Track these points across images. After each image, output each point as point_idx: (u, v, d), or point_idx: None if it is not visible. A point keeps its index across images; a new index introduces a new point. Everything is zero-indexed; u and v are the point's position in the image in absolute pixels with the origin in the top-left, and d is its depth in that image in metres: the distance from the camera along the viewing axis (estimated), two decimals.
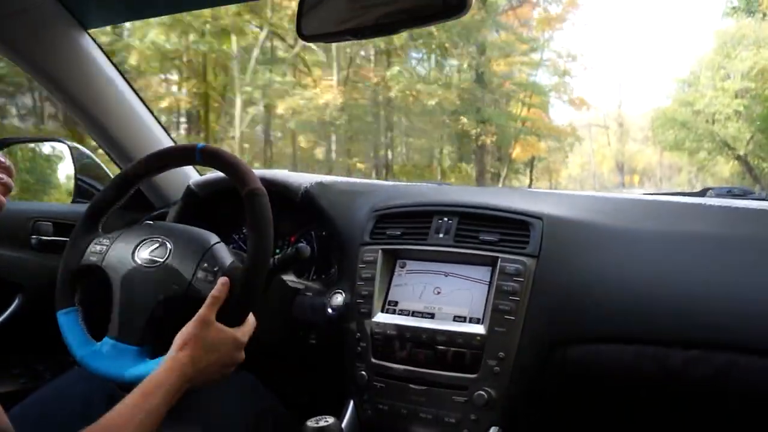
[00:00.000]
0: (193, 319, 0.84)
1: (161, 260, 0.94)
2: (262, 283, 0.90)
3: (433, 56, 15.17)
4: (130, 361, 0.88)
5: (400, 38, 12.72)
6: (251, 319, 0.90)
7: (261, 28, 11.86)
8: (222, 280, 0.87)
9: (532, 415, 0.95)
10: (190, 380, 0.79)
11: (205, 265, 0.93)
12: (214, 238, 0.98)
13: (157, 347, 0.90)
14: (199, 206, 1.33)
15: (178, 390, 0.77)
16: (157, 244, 0.97)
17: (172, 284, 0.92)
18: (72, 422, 0.67)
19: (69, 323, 0.95)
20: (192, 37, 11.01)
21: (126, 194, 1.05)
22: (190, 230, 1.02)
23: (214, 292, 0.86)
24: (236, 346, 0.86)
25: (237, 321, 0.87)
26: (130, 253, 0.96)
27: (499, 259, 0.97)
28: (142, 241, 0.98)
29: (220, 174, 1.09)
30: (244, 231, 1.32)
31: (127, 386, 0.78)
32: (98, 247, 0.99)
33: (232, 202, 1.06)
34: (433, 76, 14.82)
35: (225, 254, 0.96)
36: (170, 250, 0.96)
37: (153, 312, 0.91)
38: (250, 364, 1.03)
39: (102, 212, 1.03)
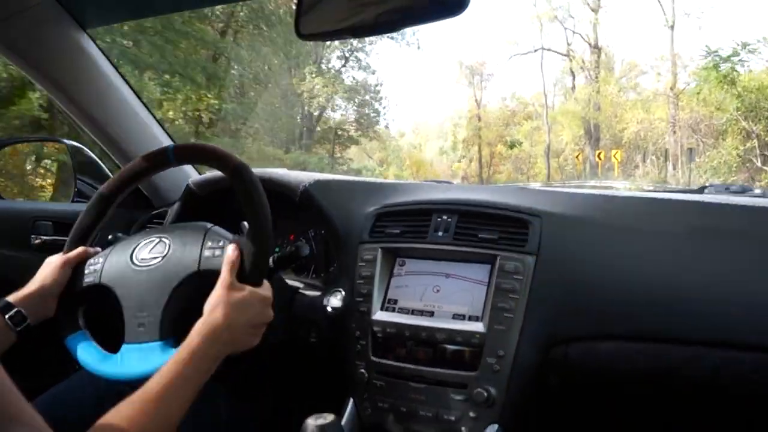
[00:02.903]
0: (217, 285, 0.85)
1: (163, 254, 0.94)
2: (271, 243, 0.92)
3: None
4: (156, 356, 0.88)
5: None
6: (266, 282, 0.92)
7: None
8: (232, 246, 0.90)
9: (532, 413, 0.95)
10: (225, 343, 0.80)
11: (209, 243, 0.94)
12: (208, 224, 0.99)
13: (180, 336, 0.90)
14: (198, 205, 1.33)
15: (214, 356, 0.78)
16: (155, 243, 0.97)
17: (181, 270, 0.92)
18: (85, 423, 0.67)
19: (80, 346, 0.93)
20: None
21: (106, 214, 1.04)
22: (182, 224, 1.04)
23: (228, 257, 0.88)
24: (264, 302, 0.88)
25: (256, 281, 0.89)
26: (128, 259, 0.96)
27: (498, 257, 0.97)
28: (137, 245, 0.98)
29: (219, 173, 1.09)
30: (243, 230, 1.32)
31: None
32: (92, 267, 0.97)
33: (231, 200, 1.06)
34: None
35: (224, 231, 0.97)
36: (169, 244, 0.96)
37: (168, 303, 0.90)
38: (250, 362, 1.03)
39: (85, 237, 1.02)
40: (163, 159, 1.03)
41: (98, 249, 1.01)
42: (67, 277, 0.96)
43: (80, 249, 0.99)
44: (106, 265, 0.97)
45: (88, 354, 0.92)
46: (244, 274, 0.88)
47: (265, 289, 0.89)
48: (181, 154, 1.03)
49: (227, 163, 0.96)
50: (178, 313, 0.91)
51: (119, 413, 0.67)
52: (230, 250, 0.89)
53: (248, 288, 0.86)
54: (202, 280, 0.91)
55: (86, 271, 0.97)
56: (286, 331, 1.12)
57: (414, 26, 1.00)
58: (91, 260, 0.99)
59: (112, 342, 0.93)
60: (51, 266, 0.96)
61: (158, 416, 0.68)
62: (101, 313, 0.97)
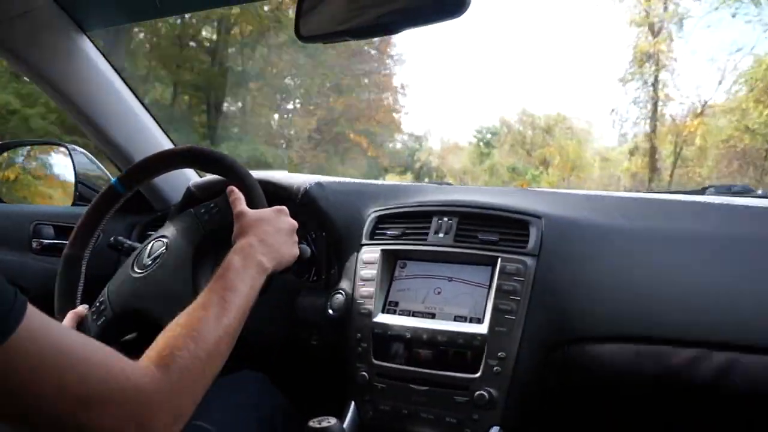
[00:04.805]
0: (234, 219, 0.88)
1: (164, 248, 0.94)
2: (254, 180, 0.95)
3: None
4: None
5: None
6: None
7: None
8: (229, 188, 0.92)
9: (534, 415, 0.95)
10: (264, 255, 0.82)
11: (202, 211, 0.97)
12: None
13: None
14: None
15: (254, 267, 0.80)
16: (150, 245, 0.96)
17: (191, 243, 0.93)
18: None
19: None
20: None
21: (80, 272, 1.03)
22: (169, 222, 1.04)
23: (232, 196, 0.90)
24: (281, 212, 0.91)
25: (263, 206, 0.93)
26: (131, 275, 0.94)
27: (499, 259, 0.96)
28: (134, 259, 0.97)
29: (219, 177, 1.09)
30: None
31: None
32: (98, 309, 0.95)
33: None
34: None
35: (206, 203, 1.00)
36: (165, 238, 0.95)
37: (195, 276, 0.90)
38: (251, 365, 1.03)
39: (72, 300, 1.01)
40: (114, 194, 1.05)
41: (86, 306, 0.99)
42: None
43: (70, 314, 0.96)
44: (111, 295, 0.95)
45: None
46: (249, 206, 0.90)
47: (276, 205, 0.92)
48: (128, 180, 1.05)
49: (173, 156, 1.00)
50: (209, 280, 0.90)
51: (173, 324, 0.68)
52: (230, 189, 0.92)
53: (261, 209, 0.90)
54: (215, 240, 0.92)
55: (93, 317, 0.95)
56: (287, 334, 1.12)
57: (414, 28, 1.01)
58: (93, 306, 0.96)
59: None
60: None
61: (210, 321, 0.69)
62: (133, 346, 0.96)
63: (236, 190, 0.91)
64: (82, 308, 0.98)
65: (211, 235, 0.93)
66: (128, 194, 1.06)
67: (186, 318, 0.69)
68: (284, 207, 0.92)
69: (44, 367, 0.52)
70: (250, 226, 0.86)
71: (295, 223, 0.92)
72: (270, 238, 0.85)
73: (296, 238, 0.91)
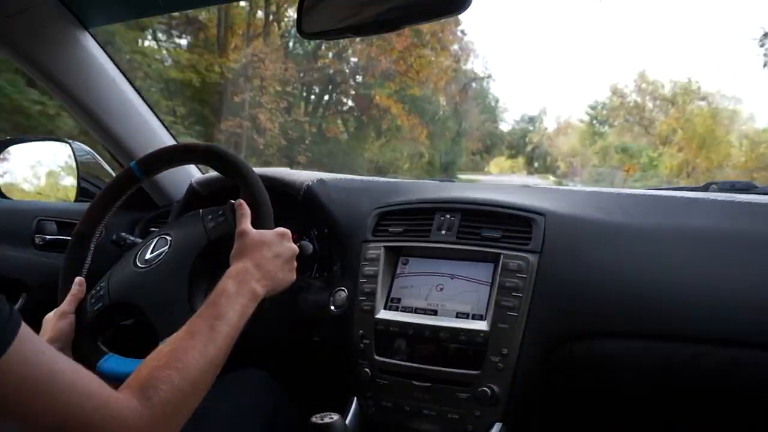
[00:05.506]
0: (236, 237, 0.87)
1: (167, 247, 0.94)
2: (266, 194, 0.94)
3: None
4: None
5: None
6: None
7: None
8: (238, 202, 0.91)
9: (536, 411, 0.95)
10: (259, 281, 0.82)
11: (209, 217, 0.95)
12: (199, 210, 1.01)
13: None
14: (201, 204, 1.33)
15: (247, 294, 0.79)
16: (155, 241, 0.96)
17: (192, 248, 0.92)
18: None
19: (115, 365, 0.88)
20: None
21: (89, 250, 1.03)
22: (177, 220, 1.04)
23: (240, 211, 0.89)
24: (284, 236, 0.90)
25: (269, 226, 0.91)
26: (132, 268, 0.94)
27: (502, 256, 0.96)
28: (138, 252, 0.96)
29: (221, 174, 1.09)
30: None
31: None
32: (97, 294, 0.95)
33: (234, 199, 1.06)
34: None
35: (215, 207, 0.98)
36: (170, 237, 0.95)
37: (191, 283, 0.89)
38: (254, 362, 1.03)
39: (77, 276, 1.00)
40: (131, 178, 1.05)
41: (83, 281, 0.98)
42: (71, 322, 0.92)
43: (71, 294, 0.95)
44: (111, 284, 0.95)
45: (126, 365, 0.87)
46: (255, 223, 0.90)
47: (280, 228, 0.92)
48: (147, 166, 1.04)
49: (195, 150, 0.99)
50: (205, 290, 0.89)
51: (158, 352, 0.68)
52: (238, 203, 0.91)
53: (264, 230, 0.89)
54: (217, 249, 0.91)
55: (92, 301, 0.94)
56: (289, 331, 1.12)
57: (415, 25, 1.01)
58: (94, 290, 0.96)
59: (141, 346, 0.87)
60: (50, 322, 0.92)
61: (197, 351, 0.68)
62: (128, 333, 0.95)
63: (244, 205, 0.90)
64: (79, 286, 0.97)
65: (214, 243, 0.92)
66: (143, 180, 1.06)
67: (172, 346, 0.68)
68: (287, 231, 0.91)
69: (29, 389, 0.52)
70: (250, 248, 0.85)
71: (295, 248, 0.91)
72: (267, 264, 0.84)
73: (295, 264, 0.91)
